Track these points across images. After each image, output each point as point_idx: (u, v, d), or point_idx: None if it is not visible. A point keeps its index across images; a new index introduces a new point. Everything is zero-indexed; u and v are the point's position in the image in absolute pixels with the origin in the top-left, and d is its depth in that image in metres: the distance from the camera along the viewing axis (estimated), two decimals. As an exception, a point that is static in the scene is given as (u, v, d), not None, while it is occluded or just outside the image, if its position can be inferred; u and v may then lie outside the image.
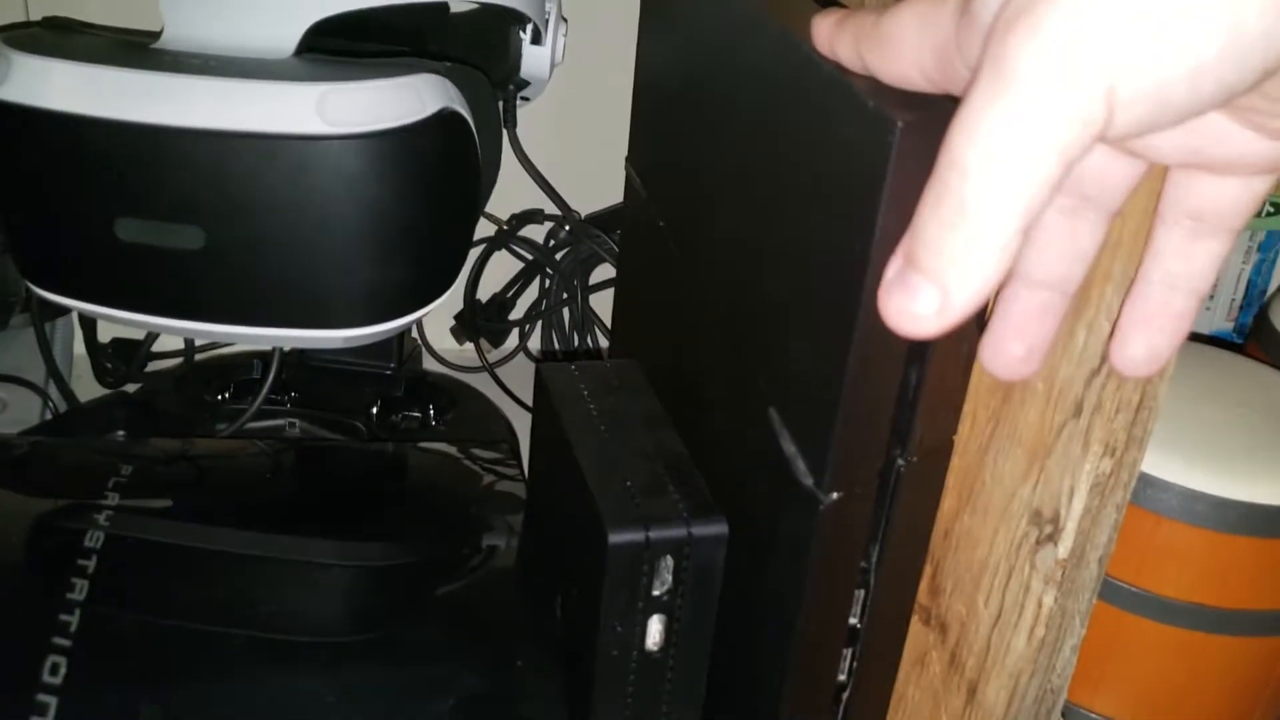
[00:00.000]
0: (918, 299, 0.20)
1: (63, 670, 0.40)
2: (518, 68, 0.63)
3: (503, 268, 0.80)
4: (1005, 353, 0.28)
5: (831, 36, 0.28)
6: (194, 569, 0.46)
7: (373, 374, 0.66)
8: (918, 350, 0.32)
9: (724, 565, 0.39)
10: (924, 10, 0.23)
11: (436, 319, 0.78)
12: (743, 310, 0.39)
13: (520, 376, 0.77)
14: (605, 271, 0.79)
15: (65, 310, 0.67)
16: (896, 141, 0.27)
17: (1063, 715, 0.39)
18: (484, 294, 0.80)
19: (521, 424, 0.70)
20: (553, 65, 0.64)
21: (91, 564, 0.44)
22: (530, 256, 0.79)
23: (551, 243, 0.79)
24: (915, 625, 0.40)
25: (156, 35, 0.51)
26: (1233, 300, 0.84)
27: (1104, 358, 0.31)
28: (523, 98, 0.66)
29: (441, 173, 0.51)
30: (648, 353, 0.49)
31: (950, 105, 0.21)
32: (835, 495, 0.33)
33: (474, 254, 0.77)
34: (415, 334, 0.75)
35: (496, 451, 0.57)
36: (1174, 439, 0.45)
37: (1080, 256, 0.27)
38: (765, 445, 0.36)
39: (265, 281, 0.49)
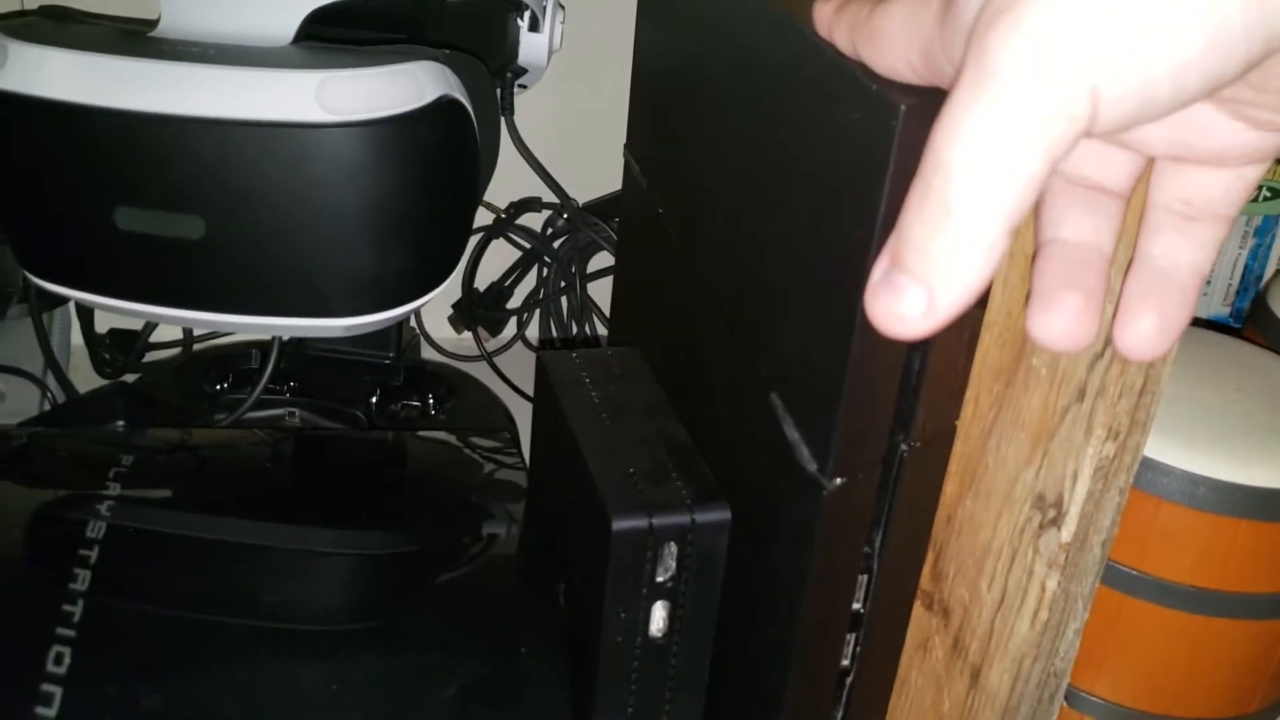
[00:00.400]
0: (904, 300, 0.20)
1: (67, 660, 0.40)
2: (515, 55, 0.63)
3: (500, 256, 0.79)
4: (1060, 306, 0.24)
5: (830, 22, 0.28)
6: (196, 558, 0.46)
7: (371, 363, 0.66)
8: (921, 335, 0.32)
9: (727, 551, 0.40)
10: (911, 7, 0.23)
11: (434, 308, 0.78)
12: (744, 296, 0.38)
13: (518, 365, 0.77)
14: (604, 260, 0.79)
15: (63, 301, 0.67)
16: (899, 124, 0.27)
17: (1064, 699, 0.39)
18: (482, 283, 0.80)
19: (520, 413, 0.70)
20: (550, 52, 0.64)
21: (94, 554, 0.44)
22: (528, 245, 0.78)
23: (549, 231, 0.79)
24: (918, 610, 0.40)
25: (153, 24, 0.51)
26: (1229, 285, 0.84)
27: (1107, 341, 0.31)
28: (520, 85, 0.66)
29: (441, 160, 0.51)
30: (647, 340, 0.49)
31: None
32: (838, 481, 0.33)
33: (472, 243, 0.77)
34: (413, 323, 0.75)
35: (497, 440, 0.57)
36: (1173, 423, 0.45)
37: (1107, 215, 0.26)
38: (767, 431, 0.36)
39: (265, 270, 0.49)
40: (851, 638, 0.38)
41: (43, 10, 0.56)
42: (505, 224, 0.77)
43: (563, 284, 0.77)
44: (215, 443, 0.56)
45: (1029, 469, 0.35)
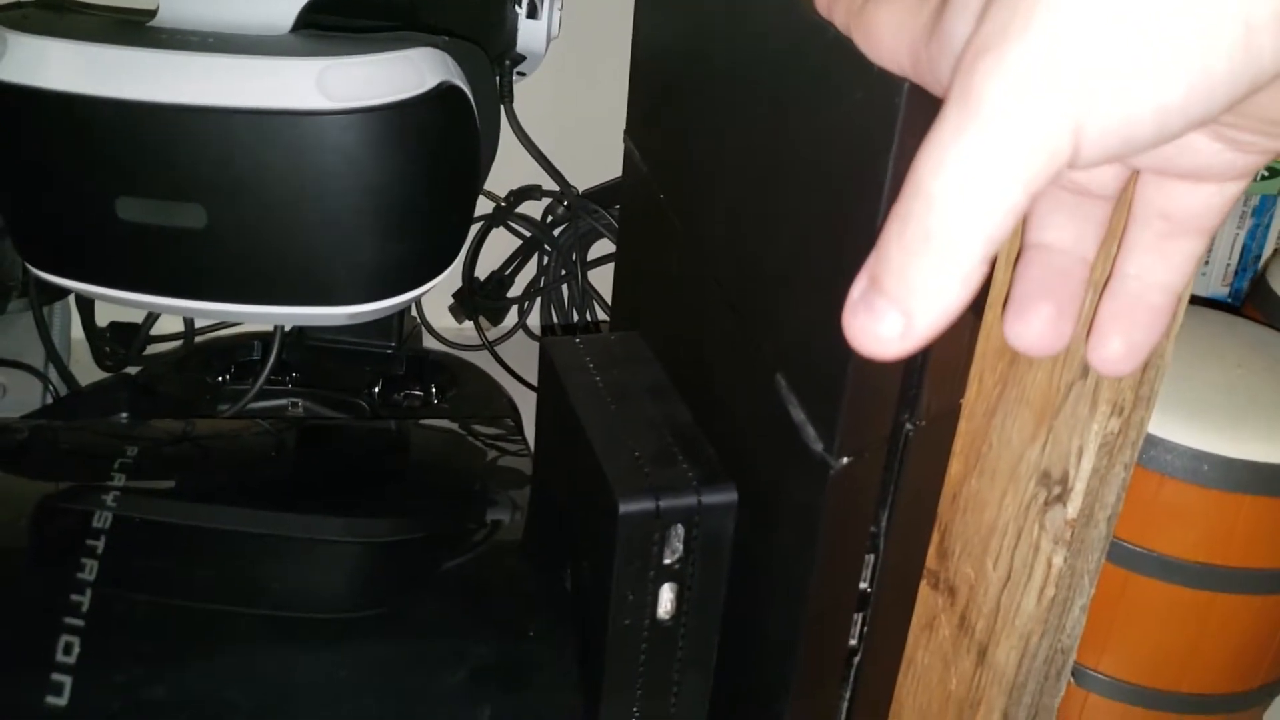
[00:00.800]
0: (882, 322, 0.20)
1: (76, 649, 0.40)
2: (513, 42, 0.63)
3: (501, 245, 0.79)
4: (1034, 314, 0.26)
5: (829, 4, 0.28)
6: (203, 548, 0.46)
7: (374, 353, 0.66)
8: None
9: (734, 533, 0.40)
10: (901, 15, 0.23)
11: (435, 298, 0.78)
12: (747, 279, 0.39)
13: (520, 354, 0.77)
14: (604, 247, 0.79)
15: (63, 294, 0.67)
16: (903, 103, 0.27)
17: (1071, 675, 0.39)
18: (482, 271, 0.80)
19: (522, 401, 0.70)
20: (549, 39, 0.64)
21: (100, 544, 0.44)
22: (528, 233, 0.78)
23: (549, 219, 0.79)
24: (923, 589, 0.40)
25: (152, 14, 0.51)
26: (1228, 265, 0.84)
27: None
28: (519, 72, 0.66)
29: (442, 147, 0.51)
30: (649, 326, 0.49)
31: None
32: (845, 460, 0.33)
33: (472, 231, 0.77)
34: (414, 313, 0.75)
35: (501, 427, 0.57)
36: (1176, 399, 0.45)
37: (1091, 221, 0.27)
38: (773, 413, 0.36)
39: (267, 259, 0.49)
40: (858, 617, 0.38)
41: (40, 1, 0.56)
42: (505, 212, 0.77)
43: (563, 272, 0.77)
44: (219, 433, 0.57)
45: (1034, 446, 0.35)
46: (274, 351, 0.59)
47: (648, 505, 0.38)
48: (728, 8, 0.39)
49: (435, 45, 0.50)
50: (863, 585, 0.37)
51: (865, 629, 0.38)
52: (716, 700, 0.43)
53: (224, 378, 0.67)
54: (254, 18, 0.50)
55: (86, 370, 0.68)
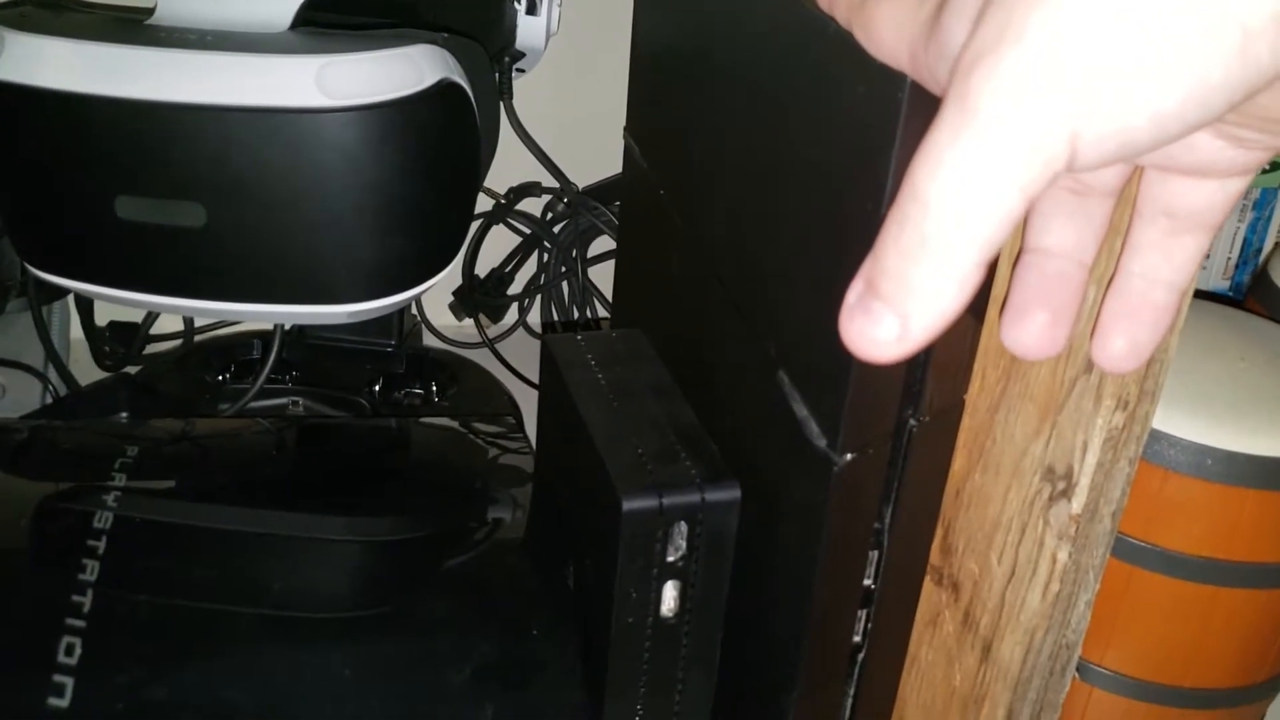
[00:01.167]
0: (879, 326, 0.20)
1: (78, 650, 0.40)
2: (513, 39, 0.63)
3: (501, 242, 0.79)
4: (1029, 321, 0.27)
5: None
6: (204, 548, 0.46)
7: (374, 351, 0.66)
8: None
9: (737, 530, 0.40)
10: (901, 13, 0.23)
11: (435, 296, 0.78)
12: (749, 275, 0.38)
13: (520, 351, 0.77)
14: (604, 244, 0.79)
15: (62, 294, 0.67)
16: (906, 98, 0.27)
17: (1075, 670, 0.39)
18: (482, 269, 0.80)
19: (523, 399, 0.70)
20: (548, 35, 0.64)
21: (101, 545, 0.44)
22: (528, 230, 0.78)
23: (549, 216, 0.78)
24: (927, 586, 0.40)
25: (149, 12, 0.51)
26: (1228, 259, 0.84)
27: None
28: (518, 69, 0.65)
29: (442, 144, 0.51)
30: (650, 323, 0.49)
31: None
32: (849, 456, 0.33)
33: (471, 229, 0.76)
34: (414, 311, 0.75)
35: (502, 425, 0.57)
36: (1179, 394, 0.45)
37: (1090, 223, 0.27)
38: (776, 409, 0.36)
39: (267, 257, 0.49)
40: (862, 614, 0.38)
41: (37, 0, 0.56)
42: (505, 210, 0.77)
43: (563, 269, 0.77)
44: (220, 432, 0.56)
45: (1038, 441, 0.35)
46: (274, 350, 0.59)
47: (651, 502, 0.38)
48: (728, 3, 0.38)
49: (434, 42, 0.50)
50: (866, 582, 0.37)
51: (869, 625, 0.38)
52: (720, 698, 0.43)
53: (224, 377, 0.67)
54: (252, 15, 0.50)
55: (86, 370, 0.68)
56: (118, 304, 0.54)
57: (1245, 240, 0.83)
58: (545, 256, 0.79)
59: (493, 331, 0.79)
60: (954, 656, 0.40)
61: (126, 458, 0.49)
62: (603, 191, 0.76)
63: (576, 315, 0.78)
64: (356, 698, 0.40)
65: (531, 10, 0.62)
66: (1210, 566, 0.45)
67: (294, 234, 0.49)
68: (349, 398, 0.66)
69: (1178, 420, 0.44)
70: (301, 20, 0.51)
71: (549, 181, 0.76)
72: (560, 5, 0.65)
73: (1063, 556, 0.35)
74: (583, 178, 0.77)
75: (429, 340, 0.78)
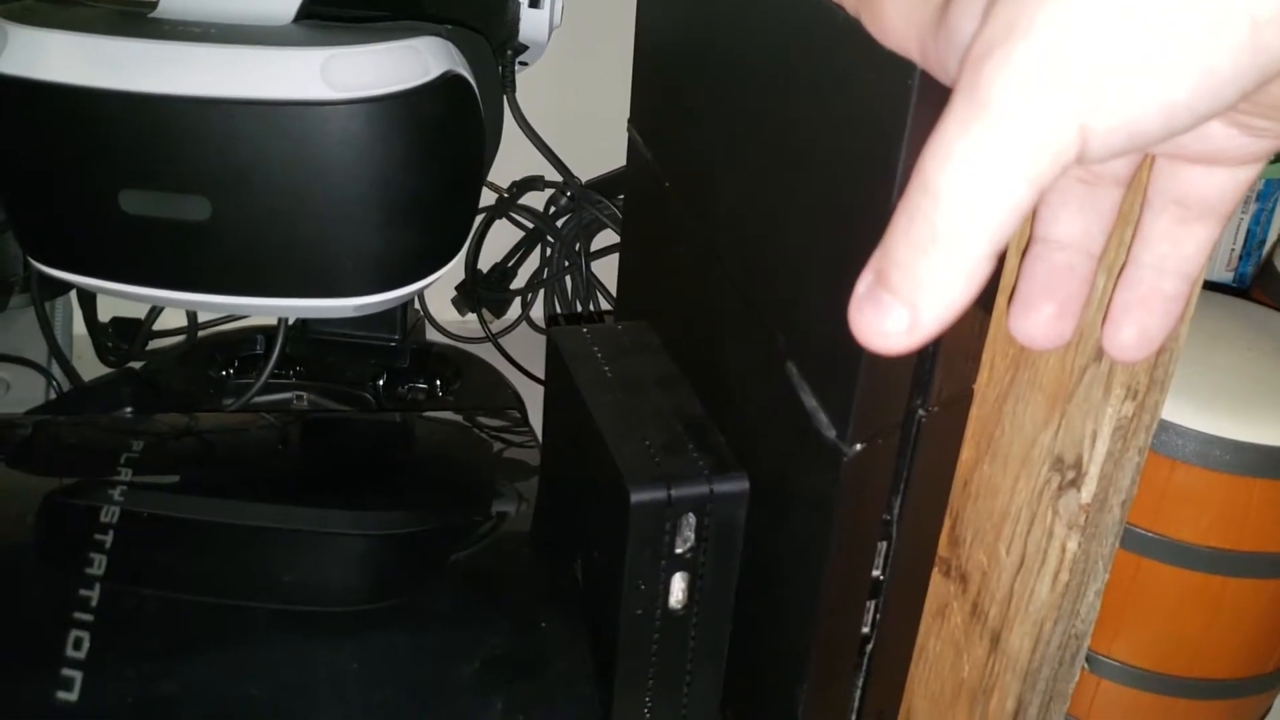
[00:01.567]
0: (888, 317, 0.20)
1: (86, 645, 0.40)
2: (516, 32, 0.63)
3: (504, 236, 0.79)
4: (1036, 312, 0.27)
5: None
6: (210, 542, 0.46)
7: (377, 346, 0.66)
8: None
9: (746, 522, 0.39)
10: (909, 3, 0.23)
11: (438, 290, 0.78)
12: (757, 266, 0.38)
13: (524, 346, 0.77)
14: (608, 238, 0.78)
15: (66, 289, 0.67)
16: (916, 84, 0.27)
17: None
18: (485, 263, 0.80)
19: (526, 393, 0.70)
20: (551, 28, 0.64)
21: (109, 539, 0.44)
22: (531, 224, 0.78)
23: (553, 210, 0.78)
24: (935, 577, 0.40)
25: (154, 5, 0.51)
26: (1232, 250, 0.84)
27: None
28: (521, 62, 0.65)
29: (447, 136, 0.50)
30: (655, 316, 0.48)
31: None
32: (858, 447, 0.33)
33: (474, 223, 0.76)
34: (418, 305, 0.75)
35: (507, 419, 0.57)
36: (1186, 384, 0.45)
37: (1099, 214, 0.27)
38: (784, 400, 0.36)
39: (272, 251, 0.49)
40: (871, 605, 0.38)
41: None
42: (508, 204, 0.77)
43: (567, 263, 0.77)
44: (225, 426, 0.56)
45: (1047, 430, 0.35)
46: (278, 344, 0.59)
47: (659, 494, 0.38)
48: (735, -7, 0.38)
49: (439, 34, 0.50)
50: (875, 573, 0.37)
51: (878, 616, 0.38)
52: (729, 689, 0.43)
53: (228, 372, 0.67)
54: (256, 8, 0.49)
55: (89, 365, 0.68)
56: (123, 299, 0.54)
57: (1249, 231, 0.83)
58: (548, 251, 0.79)
59: (496, 326, 0.79)
60: (962, 647, 0.40)
61: (132, 453, 0.49)
62: (606, 185, 0.76)
63: (580, 309, 0.78)
64: (365, 691, 0.40)
65: (534, 3, 0.62)
66: (1218, 557, 0.45)
67: (299, 227, 0.49)
68: (353, 392, 0.66)
69: (1186, 410, 0.44)
70: (306, 13, 0.50)
71: (552, 175, 0.75)
72: (563, -2, 0.65)
73: (1072, 546, 0.35)
74: (586, 171, 0.76)
75: (432, 335, 0.78)
